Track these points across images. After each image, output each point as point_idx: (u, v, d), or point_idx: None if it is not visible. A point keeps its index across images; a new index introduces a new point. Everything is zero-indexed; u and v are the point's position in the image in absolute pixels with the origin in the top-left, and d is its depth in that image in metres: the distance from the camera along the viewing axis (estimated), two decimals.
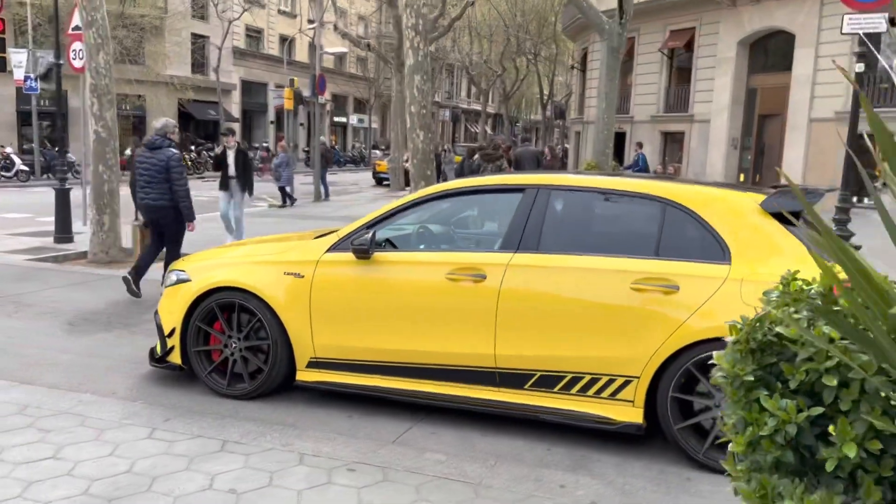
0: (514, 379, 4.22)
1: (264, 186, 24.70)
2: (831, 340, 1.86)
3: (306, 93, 26.23)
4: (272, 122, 42.93)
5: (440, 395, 4.37)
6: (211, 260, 5.07)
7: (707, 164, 23.20)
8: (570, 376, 4.10)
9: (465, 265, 4.30)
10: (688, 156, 24.61)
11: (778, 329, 1.93)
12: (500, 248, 4.34)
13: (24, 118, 28.93)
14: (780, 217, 3.96)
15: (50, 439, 4.03)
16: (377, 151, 45.44)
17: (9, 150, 26.21)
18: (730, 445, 2.03)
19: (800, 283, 2.07)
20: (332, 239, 4.68)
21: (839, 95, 20.11)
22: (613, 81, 15.29)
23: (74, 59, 12.50)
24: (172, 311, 4.93)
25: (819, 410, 1.86)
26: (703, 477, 3.83)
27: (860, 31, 8.19)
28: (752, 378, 1.91)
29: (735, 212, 4.03)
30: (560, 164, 27.83)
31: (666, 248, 4.03)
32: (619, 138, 23.74)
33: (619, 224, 4.38)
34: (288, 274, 4.64)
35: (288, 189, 18.97)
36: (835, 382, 1.80)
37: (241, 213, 11.49)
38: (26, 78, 22.13)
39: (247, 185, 11.32)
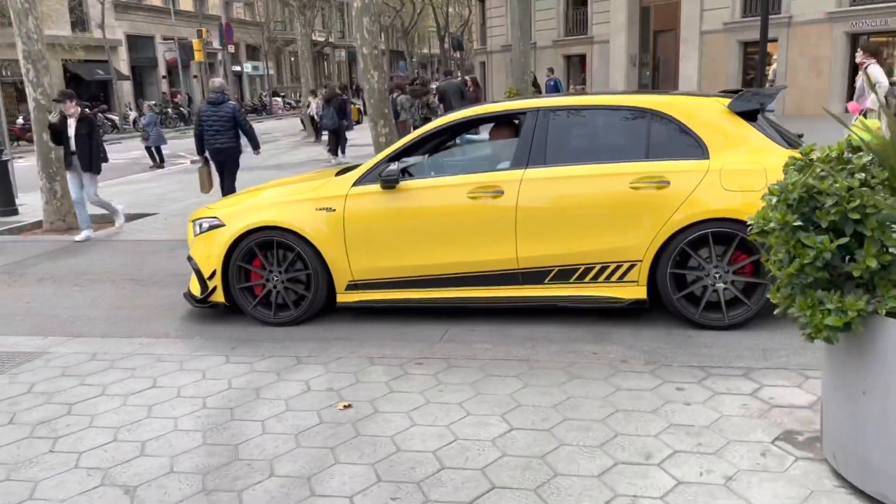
0: (535, 276, 4.94)
1: (182, 144, 24.27)
2: (849, 189, 2.64)
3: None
4: (164, 77, 41.39)
5: (472, 298, 5.05)
6: (239, 205, 5.50)
7: (609, 82, 24.33)
8: (583, 267, 4.86)
9: (484, 184, 4.94)
10: (591, 76, 25.70)
11: (812, 182, 2.69)
12: (512, 165, 4.99)
13: None
14: (742, 115, 4.78)
15: (140, 374, 4.49)
16: (278, 99, 44.61)
17: None
18: (777, 281, 2.81)
19: (818, 152, 2.83)
20: (357, 174, 5.21)
21: (726, 7, 21.45)
22: (525, 10, 15.93)
23: None
24: (210, 255, 5.35)
25: (845, 240, 2.65)
26: (701, 333, 4.71)
27: None
28: (800, 223, 2.67)
29: (707, 114, 4.82)
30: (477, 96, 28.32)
31: (655, 151, 4.79)
32: None
33: (613, 134, 5.09)
34: (320, 209, 5.15)
35: (163, 149, 18.71)
36: (858, 216, 2.58)
37: (96, 193, 9.26)
38: None
39: (92, 162, 9.00)
